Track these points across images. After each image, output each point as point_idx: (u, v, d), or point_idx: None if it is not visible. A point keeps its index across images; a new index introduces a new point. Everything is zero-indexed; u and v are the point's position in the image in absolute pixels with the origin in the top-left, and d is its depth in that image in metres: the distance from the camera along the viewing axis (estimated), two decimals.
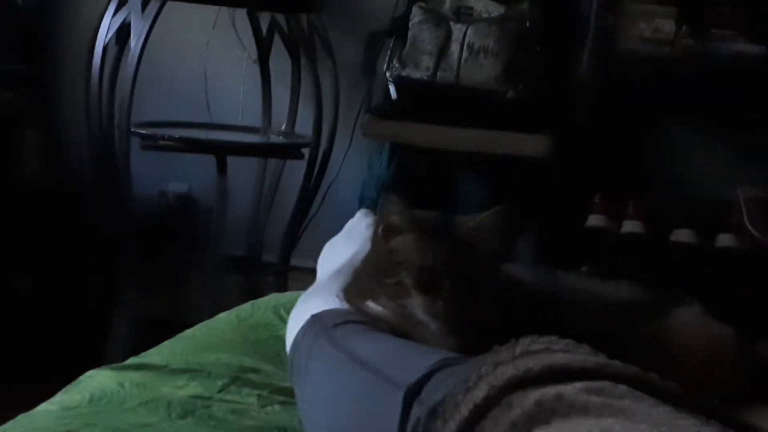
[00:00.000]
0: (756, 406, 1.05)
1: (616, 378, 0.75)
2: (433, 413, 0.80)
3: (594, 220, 2.47)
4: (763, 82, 2.40)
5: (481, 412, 0.75)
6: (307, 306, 1.18)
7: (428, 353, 0.93)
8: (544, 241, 2.45)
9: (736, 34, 2.39)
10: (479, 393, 0.76)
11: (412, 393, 0.84)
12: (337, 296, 1.13)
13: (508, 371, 0.77)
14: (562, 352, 0.81)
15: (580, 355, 0.80)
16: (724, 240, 2.41)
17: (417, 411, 0.82)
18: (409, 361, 0.91)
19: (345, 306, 1.11)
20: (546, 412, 0.71)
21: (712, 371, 1.08)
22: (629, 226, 2.46)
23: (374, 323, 1.05)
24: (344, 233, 1.41)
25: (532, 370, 0.76)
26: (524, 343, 0.83)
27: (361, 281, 1.11)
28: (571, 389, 0.72)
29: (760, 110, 2.46)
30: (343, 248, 1.34)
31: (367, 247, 1.17)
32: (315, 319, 1.11)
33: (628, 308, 1.11)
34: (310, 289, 1.27)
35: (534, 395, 0.73)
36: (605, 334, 1.03)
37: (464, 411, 0.76)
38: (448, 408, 0.78)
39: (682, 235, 2.43)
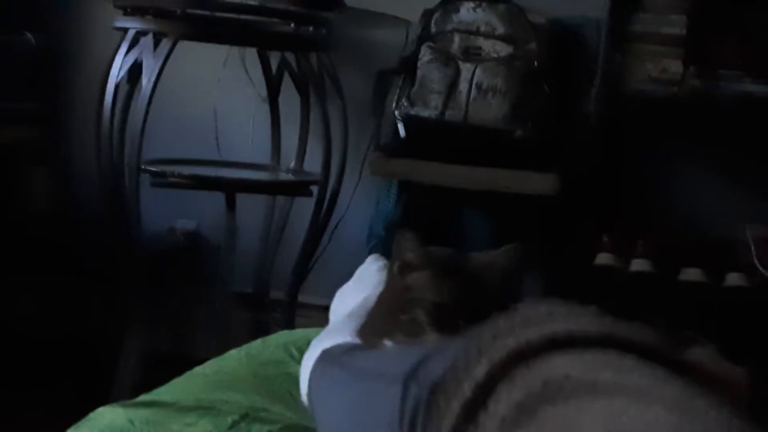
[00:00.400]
0: None
1: (622, 345, 0.72)
2: (434, 389, 0.77)
3: (602, 258, 2.47)
4: None
5: (484, 390, 0.72)
6: (322, 344, 1.18)
7: (424, 348, 0.92)
8: (552, 279, 2.45)
9: (743, 74, 2.40)
10: (480, 369, 0.73)
11: (410, 376, 0.82)
12: (350, 335, 1.13)
13: (508, 343, 0.74)
14: (564, 318, 0.77)
15: (584, 319, 0.76)
16: (733, 279, 2.41)
17: (415, 390, 0.80)
18: (404, 356, 0.90)
19: (358, 342, 1.12)
20: (553, 392, 0.67)
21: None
22: (637, 265, 2.46)
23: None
24: (355, 278, 1.41)
25: (534, 340, 0.73)
26: (523, 308, 0.80)
27: (375, 320, 1.11)
28: (577, 365, 0.69)
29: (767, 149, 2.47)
30: (355, 292, 1.34)
31: (380, 289, 1.16)
32: (325, 353, 1.12)
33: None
34: (323, 333, 1.27)
35: (540, 374, 0.70)
36: None
37: (467, 390, 0.73)
38: (450, 384, 0.75)
39: (691, 274, 2.42)
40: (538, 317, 0.77)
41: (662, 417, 0.62)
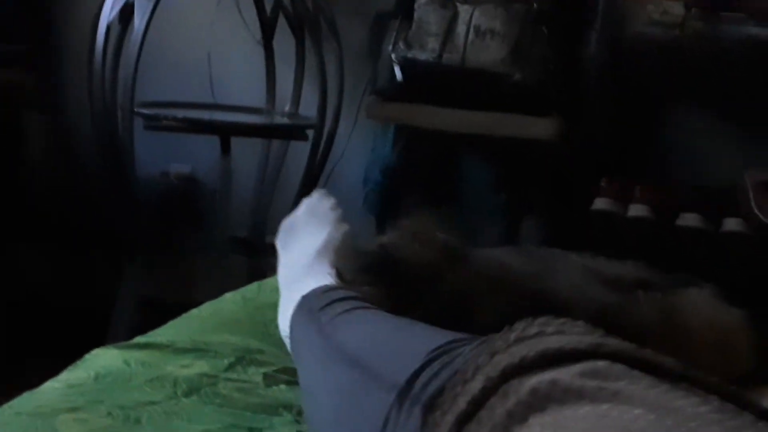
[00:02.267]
0: (764, 389, 1.04)
1: (612, 357, 0.74)
2: (431, 406, 0.80)
3: (600, 203, 2.45)
4: None
5: (478, 403, 0.75)
6: (297, 286, 1.18)
7: (418, 339, 0.92)
8: (550, 224, 2.44)
9: (746, 17, 2.36)
10: (476, 384, 0.76)
11: (404, 392, 0.84)
12: (328, 273, 1.14)
13: (503, 359, 0.77)
14: (556, 334, 0.80)
15: (575, 336, 0.79)
16: (731, 224, 2.40)
17: (407, 407, 0.82)
18: (399, 353, 0.91)
19: (334, 282, 1.12)
20: (541, 399, 0.70)
21: (725, 352, 1.07)
22: (635, 210, 2.44)
23: (363, 296, 1.06)
24: (305, 213, 1.38)
25: (527, 357, 0.75)
26: (518, 328, 0.82)
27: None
28: (566, 374, 0.72)
29: None
30: (310, 227, 1.32)
31: (340, 229, 1.24)
32: (304, 300, 1.12)
33: (633, 284, 1.09)
34: (293, 270, 1.26)
35: (529, 382, 0.72)
36: (610, 306, 1.02)
37: (462, 403, 0.76)
38: (447, 400, 0.78)
39: (689, 220, 2.41)
40: (532, 335, 0.80)
41: (642, 416, 0.64)
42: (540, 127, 2.36)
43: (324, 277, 1.14)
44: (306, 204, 1.40)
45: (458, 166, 2.63)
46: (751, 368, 1.08)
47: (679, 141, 2.58)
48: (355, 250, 1.17)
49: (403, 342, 0.94)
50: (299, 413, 1.07)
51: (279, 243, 1.37)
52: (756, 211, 2.35)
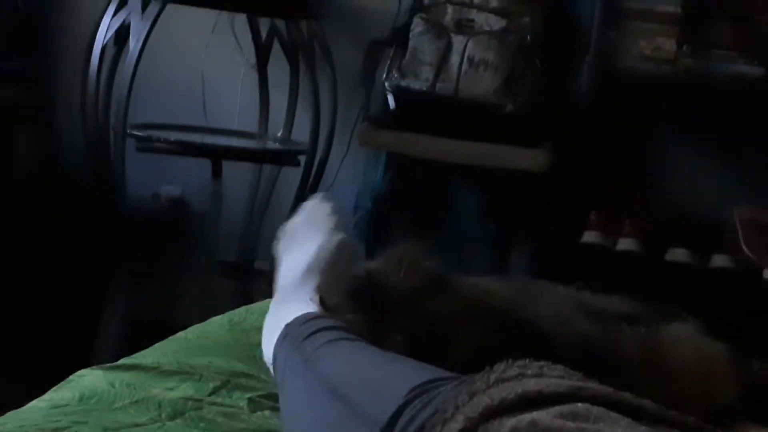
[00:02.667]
0: (746, 425, 1.04)
1: (591, 400, 0.75)
2: None
3: (589, 236, 2.46)
4: (762, 103, 2.40)
5: None
6: (282, 312, 1.17)
7: (401, 376, 0.93)
8: (539, 255, 2.45)
9: (737, 55, 2.39)
10: (456, 425, 0.76)
11: (385, 430, 0.84)
12: (311, 299, 1.14)
13: (483, 401, 0.77)
14: (535, 377, 0.80)
15: (554, 379, 0.79)
16: (720, 260, 2.41)
17: None
18: (382, 389, 0.91)
19: (317, 309, 1.12)
20: None
21: (706, 386, 1.07)
22: (624, 244, 2.45)
23: (347, 326, 1.06)
24: (304, 218, 1.35)
25: (507, 398, 0.76)
26: (498, 369, 0.83)
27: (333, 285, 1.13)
28: (545, 415, 0.72)
29: (759, 131, 2.46)
30: (308, 233, 1.30)
31: (335, 238, 1.22)
32: (288, 329, 1.11)
33: (618, 317, 1.10)
34: (282, 290, 1.25)
35: (509, 423, 0.72)
36: (594, 339, 1.02)
37: None
38: None
39: (678, 255, 2.42)
40: (511, 376, 0.81)
41: None
42: (530, 158, 2.37)
43: (307, 304, 1.14)
44: (304, 210, 1.36)
45: (448, 195, 2.64)
46: (733, 402, 1.08)
47: (668, 175, 2.59)
48: (341, 274, 1.16)
49: (386, 378, 0.94)
50: None
51: (278, 251, 1.35)
52: (744, 247, 2.37)
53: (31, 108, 2.89)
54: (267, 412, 1.15)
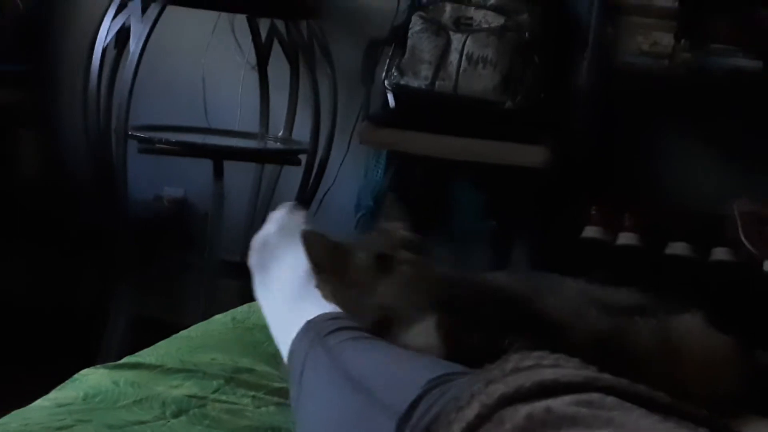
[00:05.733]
0: (753, 417, 1.05)
1: (605, 390, 0.76)
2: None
3: (590, 231, 2.47)
4: (760, 97, 2.40)
5: (472, 429, 0.76)
6: (300, 312, 1.17)
7: (420, 369, 0.94)
8: (540, 251, 2.45)
9: (735, 49, 2.39)
10: (471, 411, 0.77)
11: (404, 419, 0.85)
12: (323, 303, 1.13)
13: (499, 389, 0.78)
14: (551, 367, 0.82)
15: (571, 369, 0.81)
16: (719, 253, 2.41)
17: None
18: (402, 381, 0.92)
19: (338, 309, 1.11)
20: (536, 425, 0.71)
21: (715, 378, 1.08)
22: (625, 238, 2.46)
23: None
24: (277, 229, 1.33)
25: (523, 386, 0.77)
26: (514, 359, 0.84)
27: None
28: (560, 402, 0.73)
29: (757, 124, 2.46)
30: (288, 244, 1.28)
31: None
32: (310, 325, 1.11)
33: (629, 309, 1.11)
34: (284, 292, 1.24)
35: (525, 409, 0.73)
36: (607, 332, 1.03)
37: (456, 430, 0.77)
38: (442, 426, 0.79)
39: (677, 248, 2.43)
40: (528, 366, 0.82)
41: None
42: (530, 155, 2.37)
43: (326, 303, 1.14)
44: (275, 219, 1.34)
45: (449, 193, 2.64)
46: (741, 392, 1.09)
47: (668, 169, 2.60)
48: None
49: (406, 370, 0.96)
50: None
51: (252, 262, 1.33)
52: (744, 240, 2.37)
53: (33, 111, 2.90)
54: (272, 408, 1.16)
